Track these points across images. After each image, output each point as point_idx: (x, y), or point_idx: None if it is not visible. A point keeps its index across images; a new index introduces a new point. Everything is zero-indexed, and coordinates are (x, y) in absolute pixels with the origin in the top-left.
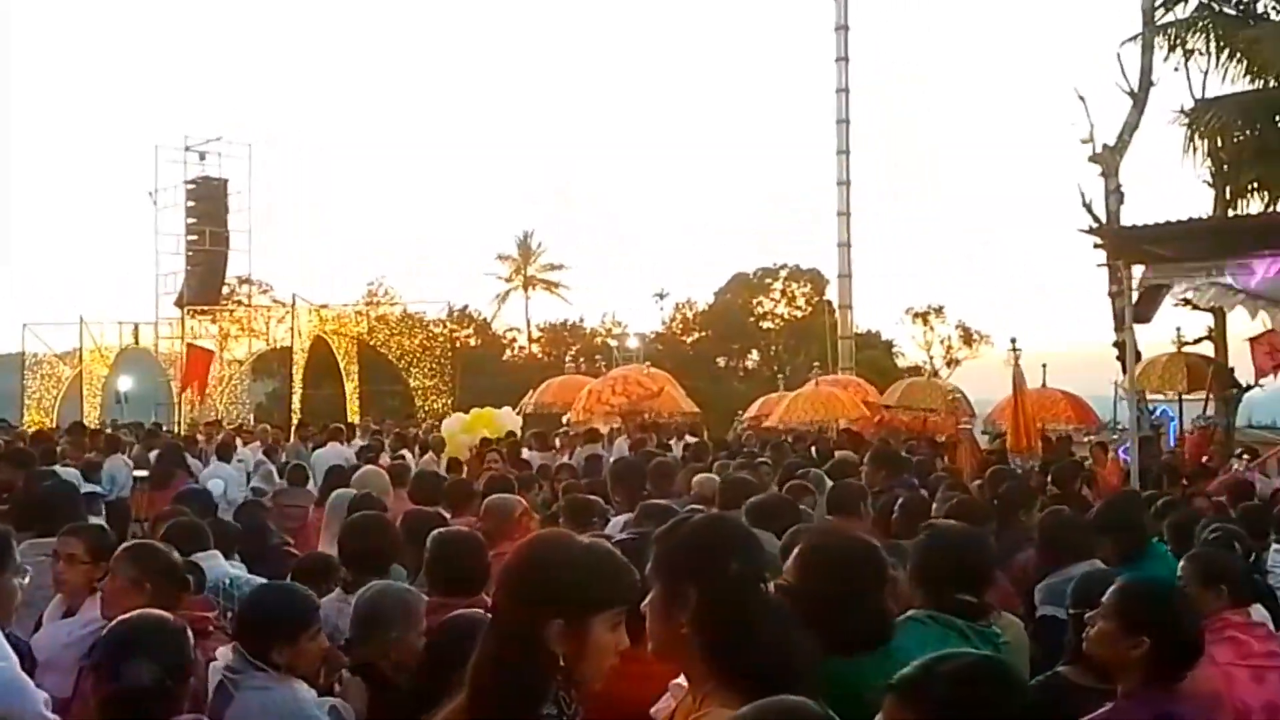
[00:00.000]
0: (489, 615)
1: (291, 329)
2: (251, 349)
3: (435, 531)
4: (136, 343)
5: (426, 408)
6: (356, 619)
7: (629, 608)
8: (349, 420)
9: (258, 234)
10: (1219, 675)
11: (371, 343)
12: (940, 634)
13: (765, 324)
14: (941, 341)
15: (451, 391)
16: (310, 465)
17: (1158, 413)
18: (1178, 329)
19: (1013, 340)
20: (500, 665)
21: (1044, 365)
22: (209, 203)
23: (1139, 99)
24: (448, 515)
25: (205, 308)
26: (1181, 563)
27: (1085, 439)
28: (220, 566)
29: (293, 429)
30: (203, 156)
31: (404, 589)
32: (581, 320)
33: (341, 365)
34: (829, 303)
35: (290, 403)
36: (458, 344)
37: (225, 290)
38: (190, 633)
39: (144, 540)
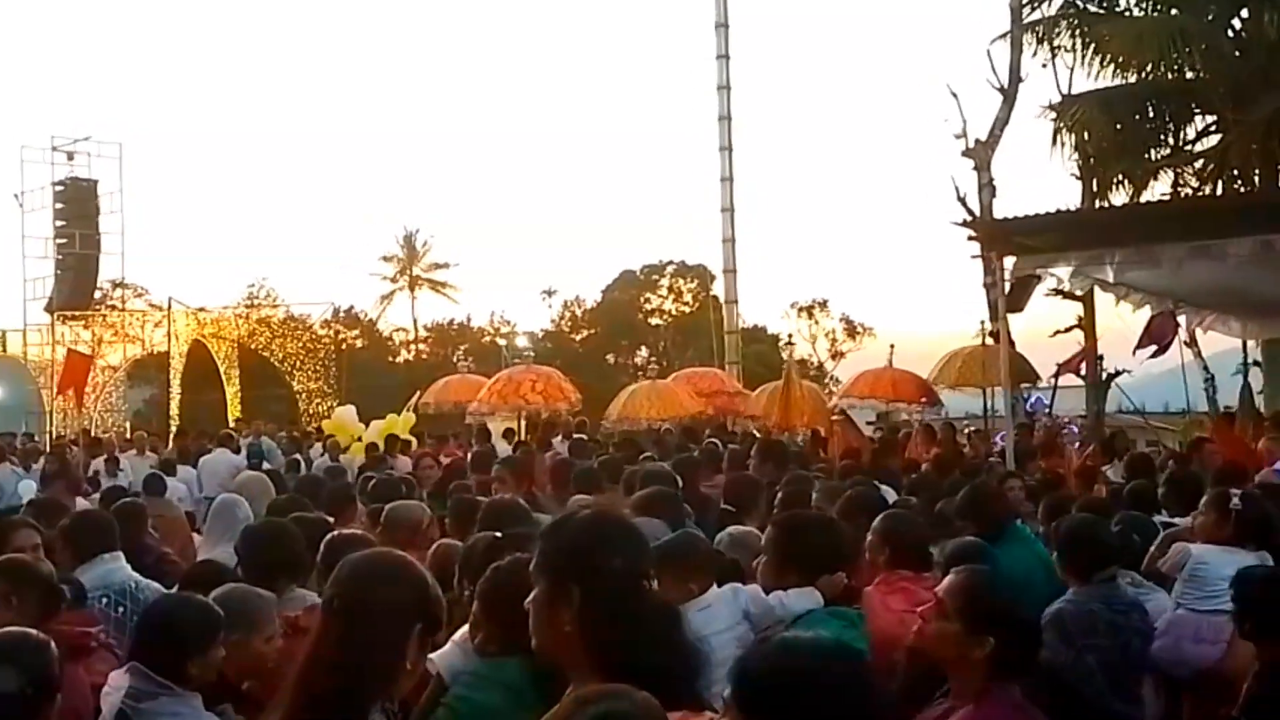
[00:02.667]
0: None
1: (168, 333)
2: (127, 354)
3: (329, 536)
4: (4, 350)
5: (311, 411)
6: None
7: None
8: (230, 426)
9: (131, 236)
10: (894, 621)
11: (252, 346)
12: (840, 626)
13: (653, 320)
14: (826, 334)
15: (337, 394)
16: (199, 472)
17: (1033, 400)
18: (982, 322)
19: (789, 336)
20: (346, 669)
21: (892, 346)
22: (78, 204)
23: (1009, 95)
24: (330, 520)
25: (77, 313)
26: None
27: (917, 417)
28: (124, 570)
29: (171, 436)
30: (71, 156)
31: (252, 591)
32: (469, 320)
33: (221, 370)
34: (715, 298)
35: (168, 409)
36: (343, 346)
37: (98, 295)
38: (55, 648)
39: (13, 555)
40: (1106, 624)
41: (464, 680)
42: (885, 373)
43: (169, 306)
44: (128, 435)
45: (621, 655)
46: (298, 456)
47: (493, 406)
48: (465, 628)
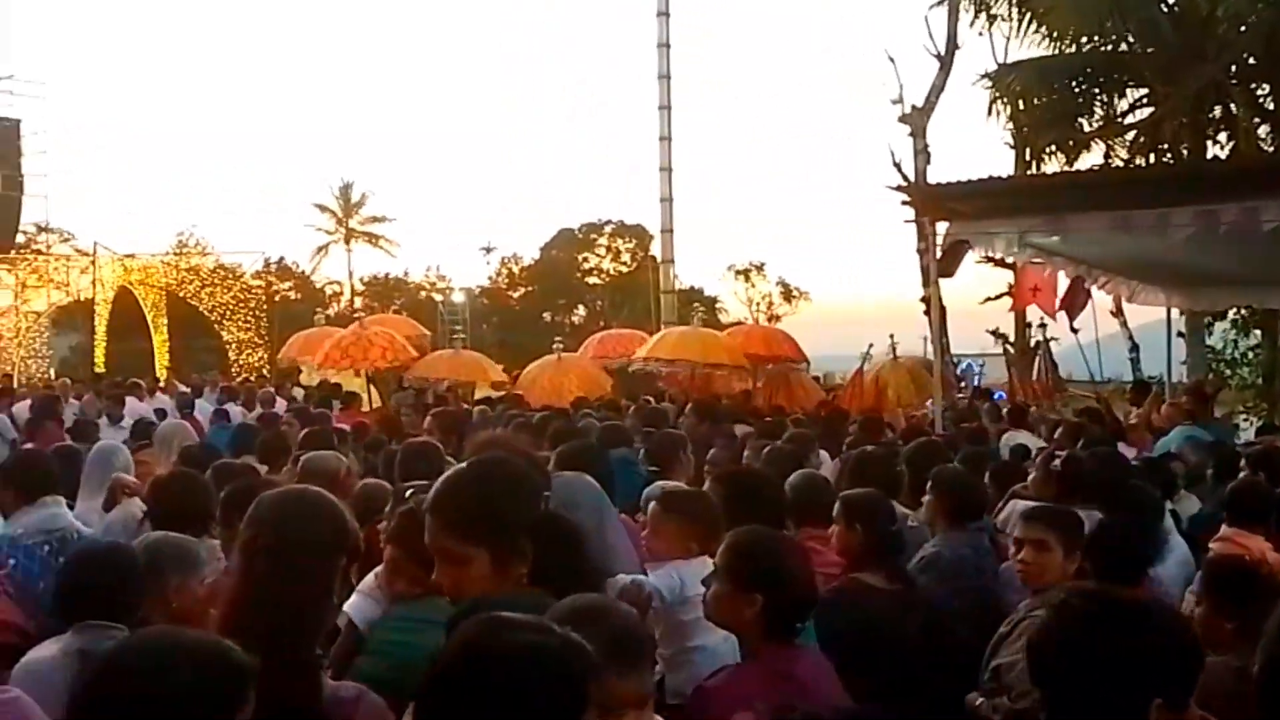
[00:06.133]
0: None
1: (94, 279)
2: (51, 300)
3: (230, 485)
4: None
5: (241, 362)
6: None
7: None
8: (156, 375)
9: (56, 179)
10: None
11: (181, 294)
12: None
13: (591, 279)
14: (763, 298)
15: (268, 345)
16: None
17: (963, 366)
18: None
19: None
20: (277, 607)
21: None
22: (0, 144)
23: (945, 62)
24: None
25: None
26: None
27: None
28: (66, 515)
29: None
30: None
31: (182, 537)
32: (406, 274)
33: (149, 318)
34: (653, 258)
35: (94, 357)
36: (275, 297)
37: (22, 238)
38: None
39: None
40: (973, 569)
41: (389, 625)
42: (755, 330)
43: (95, 252)
44: (52, 382)
45: None
46: (226, 407)
47: (334, 364)
48: (370, 577)
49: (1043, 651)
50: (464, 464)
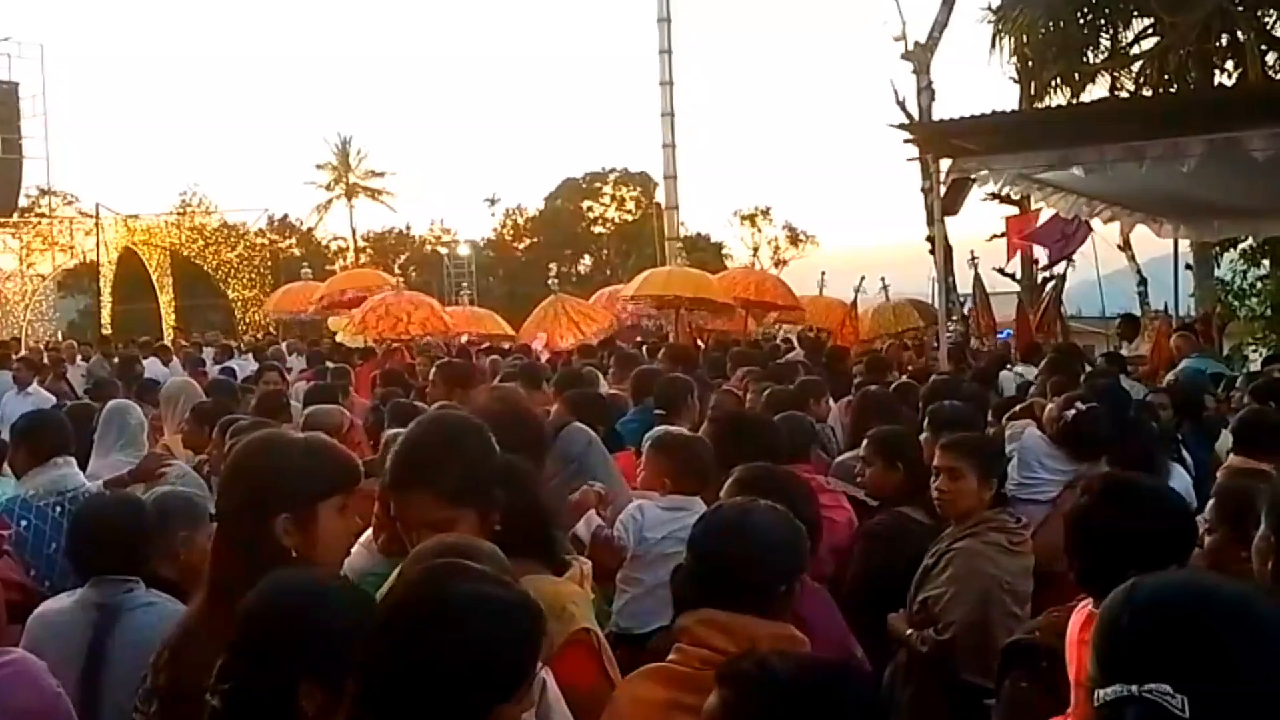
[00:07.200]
0: None
1: (98, 241)
2: (56, 263)
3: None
4: None
5: (248, 320)
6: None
7: (352, 491)
8: (163, 335)
9: (57, 142)
10: None
11: (186, 254)
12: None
13: (596, 229)
14: (769, 242)
15: None
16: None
17: (969, 305)
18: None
19: None
20: (234, 567)
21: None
22: None
23: None
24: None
25: (3, 220)
26: None
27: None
28: (77, 476)
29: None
30: None
31: (189, 491)
32: (409, 228)
33: (154, 278)
34: (658, 206)
35: (100, 318)
36: (280, 254)
37: (25, 202)
38: None
39: None
40: None
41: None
42: (742, 275)
43: (98, 214)
44: (58, 344)
45: None
46: (231, 364)
47: (370, 329)
48: (369, 529)
49: (1077, 525)
50: (415, 428)
